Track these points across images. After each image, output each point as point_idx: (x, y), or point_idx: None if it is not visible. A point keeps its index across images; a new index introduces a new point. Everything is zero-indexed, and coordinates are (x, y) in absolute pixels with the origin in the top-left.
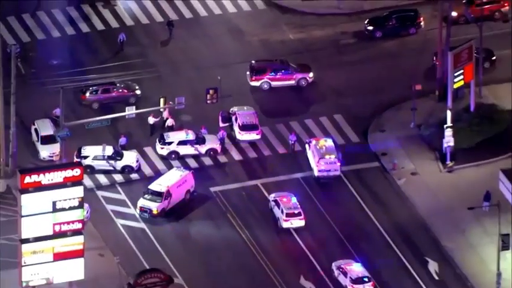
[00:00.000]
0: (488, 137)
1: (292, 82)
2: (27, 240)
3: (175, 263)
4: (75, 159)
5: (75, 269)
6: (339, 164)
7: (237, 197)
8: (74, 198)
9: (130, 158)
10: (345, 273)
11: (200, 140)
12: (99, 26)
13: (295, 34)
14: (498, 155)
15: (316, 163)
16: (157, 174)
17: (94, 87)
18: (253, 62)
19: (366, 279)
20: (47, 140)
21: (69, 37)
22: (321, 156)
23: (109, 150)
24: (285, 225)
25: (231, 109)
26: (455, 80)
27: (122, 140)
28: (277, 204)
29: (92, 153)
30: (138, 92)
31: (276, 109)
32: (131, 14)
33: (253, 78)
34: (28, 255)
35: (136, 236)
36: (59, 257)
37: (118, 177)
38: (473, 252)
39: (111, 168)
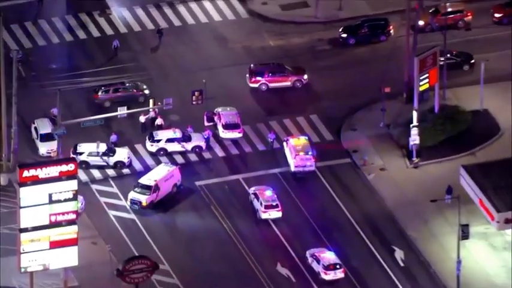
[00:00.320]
0: (450, 136)
1: (288, 84)
2: (25, 230)
3: (162, 251)
4: (71, 155)
5: (70, 256)
6: (313, 160)
7: (220, 191)
8: (68, 191)
9: (122, 154)
10: (318, 261)
11: (186, 138)
12: (95, 33)
13: (275, 41)
14: (459, 153)
15: (293, 159)
16: (147, 169)
17: (105, 87)
18: (251, 65)
19: (338, 266)
20: (46, 137)
21: (67, 43)
22: (297, 153)
23: (102, 147)
24: (264, 216)
25: (215, 109)
26: (421, 83)
27: (113, 138)
28: (257, 197)
29: (87, 149)
30: (146, 91)
31: (257, 110)
32: (125, 22)
33: (252, 80)
34: (26, 243)
35: (127, 226)
36: (54, 245)
37: (111, 172)
38: (435, 241)
39: (105, 163)
